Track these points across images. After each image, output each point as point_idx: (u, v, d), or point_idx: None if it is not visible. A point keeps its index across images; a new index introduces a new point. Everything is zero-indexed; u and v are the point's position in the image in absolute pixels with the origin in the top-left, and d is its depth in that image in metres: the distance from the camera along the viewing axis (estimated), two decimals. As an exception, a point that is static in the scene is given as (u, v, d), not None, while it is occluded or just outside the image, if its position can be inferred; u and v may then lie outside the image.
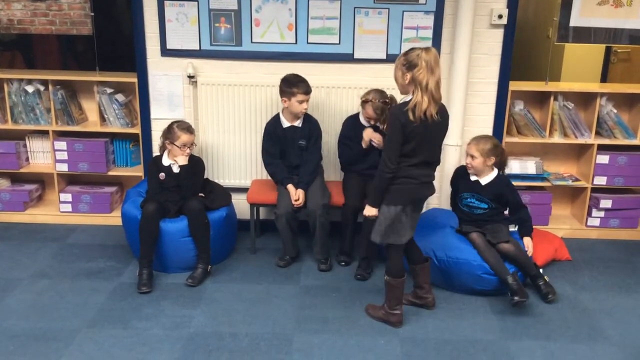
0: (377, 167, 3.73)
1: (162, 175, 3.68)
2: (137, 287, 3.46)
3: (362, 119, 3.80)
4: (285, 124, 3.82)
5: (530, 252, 3.51)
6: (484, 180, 3.55)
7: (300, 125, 3.82)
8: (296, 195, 3.68)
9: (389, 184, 2.89)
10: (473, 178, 3.58)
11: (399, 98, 3.84)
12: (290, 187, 3.71)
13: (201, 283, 3.56)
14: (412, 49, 2.82)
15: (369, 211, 3.00)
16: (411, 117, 2.74)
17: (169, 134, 3.67)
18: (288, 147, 3.84)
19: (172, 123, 3.70)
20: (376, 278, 3.69)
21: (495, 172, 3.55)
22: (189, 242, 3.60)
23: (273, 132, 3.84)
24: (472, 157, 3.51)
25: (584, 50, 5.58)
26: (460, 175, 3.66)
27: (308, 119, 3.86)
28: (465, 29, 3.82)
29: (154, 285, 3.51)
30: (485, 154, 3.48)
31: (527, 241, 3.55)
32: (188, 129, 3.68)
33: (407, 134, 2.79)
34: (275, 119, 3.87)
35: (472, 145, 3.52)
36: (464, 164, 3.63)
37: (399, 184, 2.90)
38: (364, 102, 3.70)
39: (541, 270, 3.65)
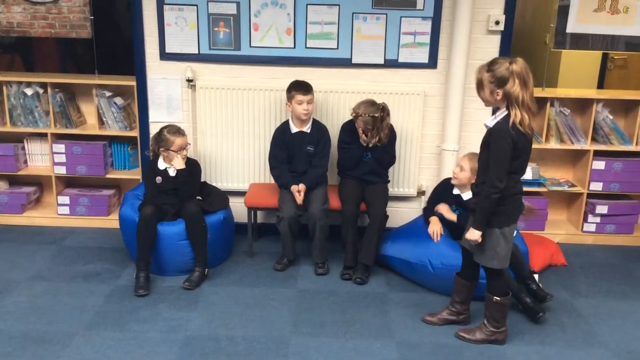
0: (374, 172, 3.80)
1: (158, 178, 3.70)
2: (134, 290, 3.47)
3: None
4: (294, 129, 3.84)
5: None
6: (466, 195, 3.56)
7: (308, 131, 3.84)
8: (298, 187, 3.68)
9: (497, 205, 2.76)
10: (455, 192, 3.60)
11: (393, 107, 3.88)
12: (293, 187, 3.71)
13: (198, 286, 3.56)
14: (494, 62, 2.67)
15: (474, 235, 2.82)
16: (521, 130, 2.64)
17: (161, 141, 3.67)
18: (295, 152, 3.85)
19: (161, 130, 3.71)
20: (371, 282, 3.71)
21: None
22: (186, 245, 3.61)
23: (281, 137, 3.85)
24: (462, 168, 3.51)
25: (581, 57, 5.61)
26: (446, 187, 3.67)
27: (317, 125, 3.88)
28: (462, 35, 3.84)
29: (151, 288, 3.51)
30: (474, 172, 3.45)
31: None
32: (178, 131, 3.70)
33: (519, 149, 2.69)
34: (285, 124, 3.89)
35: (467, 159, 3.50)
36: (449, 177, 3.65)
37: (511, 203, 2.80)
38: (355, 117, 3.71)
39: (536, 277, 3.68)
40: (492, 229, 2.82)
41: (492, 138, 2.72)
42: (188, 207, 3.60)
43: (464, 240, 2.96)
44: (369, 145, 3.74)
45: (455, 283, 3.18)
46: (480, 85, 2.74)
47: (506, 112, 2.69)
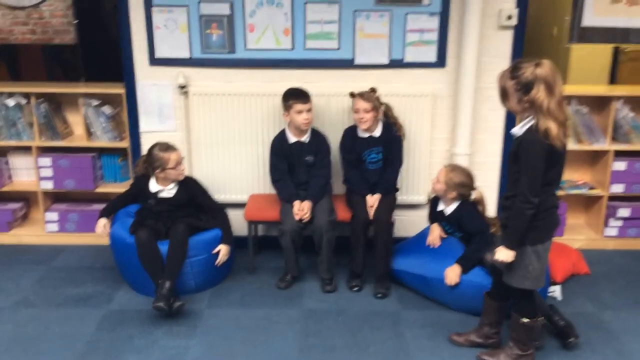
0: (378, 184, 3.56)
1: (151, 201, 3.49)
2: (153, 302, 3.17)
3: (359, 131, 3.57)
4: (292, 139, 3.61)
5: (449, 282, 3.22)
6: (448, 210, 3.40)
7: (307, 141, 3.61)
8: (301, 207, 3.46)
9: (531, 222, 2.50)
10: (440, 207, 3.45)
11: (400, 110, 3.64)
12: (295, 203, 3.49)
13: (168, 300, 3.20)
14: (518, 67, 2.41)
15: (505, 255, 2.56)
16: (552, 141, 2.37)
17: (155, 162, 3.43)
18: (295, 163, 3.64)
19: (150, 150, 3.46)
20: (383, 299, 3.47)
21: (456, 203, 3.37)
22: (185, 264, 3.38)
23: (279, 148, 3.63)
24: (438, 180, 3.34)
25: (592, 50, 5.36)
26: (435, 201, 3.51)
27: (315, 134, 3.65)
28: (472, 31, 3.60)
29: (174, 303, 3.22)
30: (449, 185, 3.30)
31: (451, 270, 3.24)
32: (169, 147, 3.46)
33: (553, 159, 2.44)
34: (281, 135, 3.65)
35: (444, 171, 3.34)
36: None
37: (545, 218, 2.54)
38: (353, 97, 3.52)
39: (559, 288, 3.46)
40: (524, 247, 2.57)
41: (521, 149, 2.45)
42: (176, 227, 3.38)
43: (492, 258, 2.70)
44: (372, 136, 3.54)
45: (484, 303, 2.93)
46: (504, 95, 2.49)
47: (535, 120, 2.42)
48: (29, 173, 4.24)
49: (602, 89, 4.24)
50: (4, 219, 4.21)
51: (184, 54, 3.78)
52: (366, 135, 3.56)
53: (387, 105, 3.61)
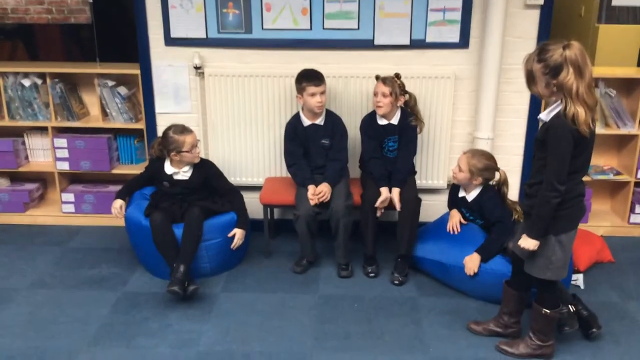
0: (394, 176, 3.46)
1: (165, 184, 3.43)
2: (167, 286, 3.14)
3: (378, 118, 3.48)
4: (306, 122, 3.53)
5: (468, 272, 3.14)
6: (470, 196, 3.30)
7: (322, 123, 3.53)
8: (319, 189, 3.38)
9: (556, 210, 2.42)
10: (460, 194, 3.36)
11: (421, 92, 3.54)
12: (310, 187, 3.41)
13: (183, 284, 3.17)
14: (545, 50, 2.29)
15: (528, 244, 2.48)
16: (580, 127, 2.28)
17: (170, 145, 3.37)
18: (311, 146, 3.56)
19: (165, 133, 3.41)
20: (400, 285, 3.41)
21: (479, 189, 3.28)
22: (200, 248, 3.34)
23: (294, 132, 3.55)
24: (460, 168, 3.24)
25: (621, 31, 5.18)
26: (456, 187, 3.42)
27: (330, 116, 3.57)
28: (497, 11, 3.46)
29: (189, 286, 3.19)
30: (473, 172, 3.20)
31: (470, 259, 3.15)
32: (184, 129, 3.40)
33: (581, 146, 2.34)
34: (296, 118, 3.57)
35: (464, 157, 3.23)
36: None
37: (571, 207, 2.45)
38: (377, 80, 3.42)
39: (581, 276, 3.36)
40: (548, 236, 2.48)
41: (549, 135, 2.35)
42: (191, 210, 3.33)
43: (514, 245, 2.62)
44: (390, 123, 3.45)
45: (504, 292, 2.85)
46: (531, 79, 2.38)
47: (563, 104, 2.32)
48: (45, 154, 4.22)
49: (631, 71, 4.10)
50: (20, 200, 4.20)
51: (200, 34, 3.71)
52: (384, 122, 3.47)
53: (412, 96, 3.51)
